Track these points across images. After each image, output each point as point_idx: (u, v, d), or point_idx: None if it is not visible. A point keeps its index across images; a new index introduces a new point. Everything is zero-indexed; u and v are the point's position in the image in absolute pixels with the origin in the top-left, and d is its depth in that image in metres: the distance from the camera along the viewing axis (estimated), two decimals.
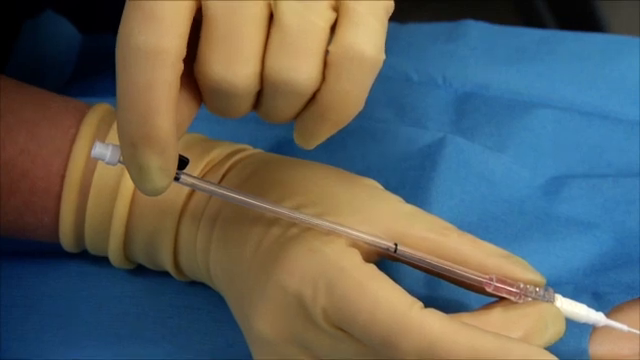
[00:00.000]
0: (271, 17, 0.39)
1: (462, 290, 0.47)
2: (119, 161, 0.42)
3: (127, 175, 0.49)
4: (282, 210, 0.45)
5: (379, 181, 0.50)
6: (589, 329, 0.48)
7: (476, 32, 0.68)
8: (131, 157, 0.40)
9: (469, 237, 0.46)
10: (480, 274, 0.45)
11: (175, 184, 0.43)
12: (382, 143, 0.59)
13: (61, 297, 0.54)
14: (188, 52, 0.39)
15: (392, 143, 0.59)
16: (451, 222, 0.47)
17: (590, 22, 1.09)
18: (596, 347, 0.49)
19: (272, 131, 0.59)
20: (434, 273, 0.46)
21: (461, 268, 0.45)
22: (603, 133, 0.62)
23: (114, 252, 0.51)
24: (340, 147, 0.59)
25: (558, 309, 0.45)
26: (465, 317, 0.44)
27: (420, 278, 0.51)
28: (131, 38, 0.38)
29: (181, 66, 0.39)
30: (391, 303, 0.42)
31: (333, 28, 0.40)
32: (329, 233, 0.45)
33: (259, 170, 0.50)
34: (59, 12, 0.65)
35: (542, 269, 0.47)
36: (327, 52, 0.39)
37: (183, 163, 0.42)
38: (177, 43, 0.38)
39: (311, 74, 0.39)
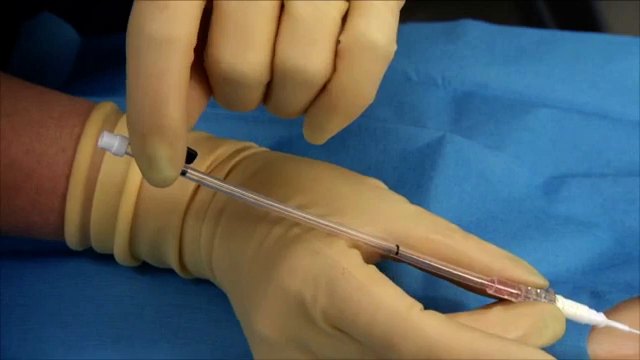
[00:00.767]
0: (282, 6, 0.39)
1: (461, 289, 0.47)
2: (126, 152, 0.42)
3: (132, 173, 0.50)
4: (286, 209, 0.44)
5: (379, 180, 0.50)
6: (587, 329, 0.48)
7: (476, 32, 0.68)
8: (140, 147, 0.39)
9: (474, 238, 0.46)
10: (482, 277, 0.45)
11: (182, 179, 0.42)
12: (382, 142, 0.59)
13: (61, 297, 0.54)
14: (198, 43, 0.39)
15: (392, 142, 0.59)
16: (450, 221, 0.47)
17: (590, 22, 1.09)
18: (595, 347, 0.49)
19: (272, 131, 0.59)
20: (435, 274, 0.46)
21: (463, 270, 0.45)
22: (603, 133, 0.62)
23: (120, 250, 0.51)
24: (340, 146, 0.59)
25: (557, 309, 0.45)
26: (464, 316, 0.44)
27: (418, 277, 0.51)
28: (143, 26, 0.38)
29: (192, 55, 0.39)
30: (391, 305, 0.42)
31: (344, 18, 0.39)
32: (331, 234, 0.45)
33: (264, 168, 0.50)
34: (56, 14, 0.65)
35: (541, 268, 0.47)
36: (338, 42, 0.39)
37: (191, 156, 0.42)
38: (188, 31, 0.38)
39: (322, 63, 0.39)
